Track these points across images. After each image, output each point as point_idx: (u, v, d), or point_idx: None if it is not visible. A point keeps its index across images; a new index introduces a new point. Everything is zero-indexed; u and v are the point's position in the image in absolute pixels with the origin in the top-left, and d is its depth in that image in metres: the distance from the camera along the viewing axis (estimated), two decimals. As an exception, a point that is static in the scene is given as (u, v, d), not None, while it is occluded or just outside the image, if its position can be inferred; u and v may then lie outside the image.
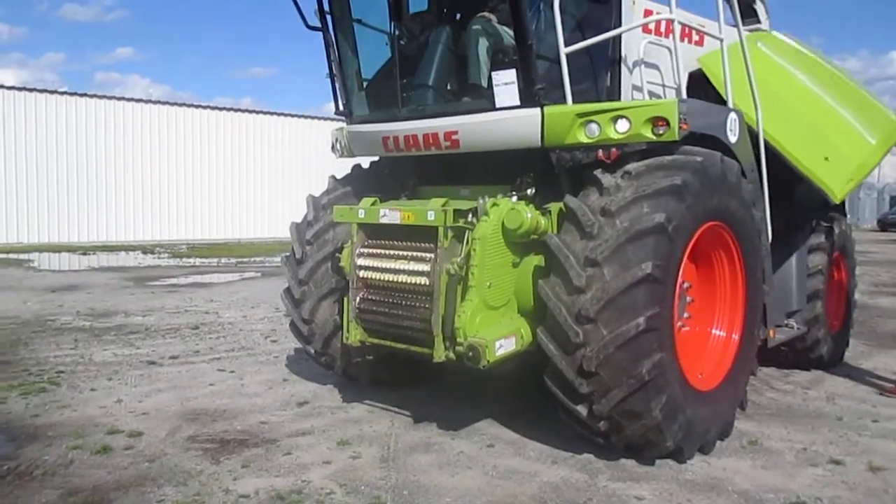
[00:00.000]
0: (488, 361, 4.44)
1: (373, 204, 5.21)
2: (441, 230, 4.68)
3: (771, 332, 5.85)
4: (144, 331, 9.31)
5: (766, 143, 5.71)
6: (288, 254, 6.20)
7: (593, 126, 4.54)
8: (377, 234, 5.19)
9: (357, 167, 6.41)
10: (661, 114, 4.42)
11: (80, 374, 6.97)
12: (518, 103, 4.66)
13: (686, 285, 5.00)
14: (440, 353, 4.69)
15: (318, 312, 5.82)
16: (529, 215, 4.60)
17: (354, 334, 5.30)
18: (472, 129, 4.90)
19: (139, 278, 15.55)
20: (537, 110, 4.63)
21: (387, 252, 5.08)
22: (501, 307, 4.76)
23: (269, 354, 7.99)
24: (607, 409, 4.28)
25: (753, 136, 5.57)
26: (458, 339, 4.53)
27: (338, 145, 6.14)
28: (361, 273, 5.22)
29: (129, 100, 28.07)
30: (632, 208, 4.29)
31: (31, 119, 25.20)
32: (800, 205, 6.89)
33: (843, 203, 7.57)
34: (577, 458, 4.76)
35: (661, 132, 4.44)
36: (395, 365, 5.85)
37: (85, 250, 23.27)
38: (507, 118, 4.73)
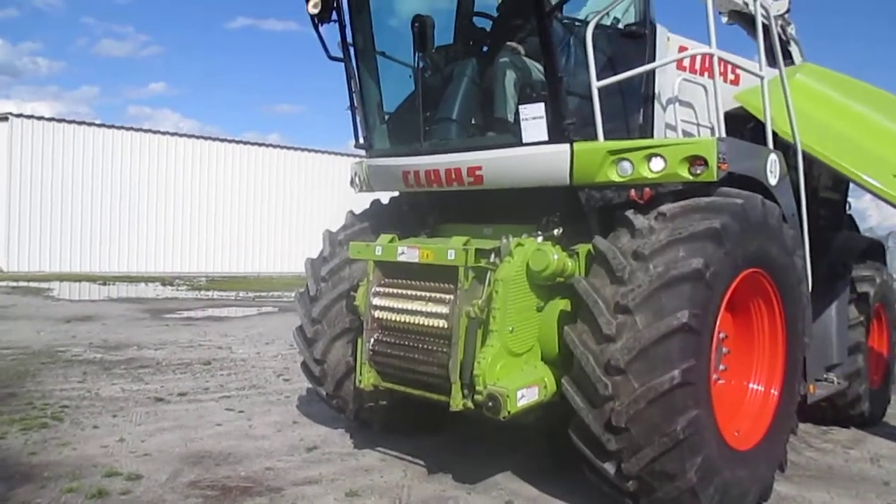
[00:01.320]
0: (509, 412, 4.13)
1: (391, 241, 4.97)
2: (461, 270, 4.42)
3: (811, 388, 5.50)
4: (155, 365, 9.10)
5: (837, 172, 5.43)
6: (302, 290, 5.96)
7: (626, 164, 4.30)
8: (394, 272, 4.95)
9: (376, 202, 6.20)
10: (699, 153, 4.17)
11: (84, 409, 6.74)
12: (546, 138, 4.43)
13: (723, 336, 4.68)
14: (458, 402, 4.39)
15: (330, 353, 5.56)
16: (556, 257, 4.34)
17: (367, 378, 5.02)
18: (498, 164, 4.67)
19: (155, 310, 15.42)
20: (566, 146, 4.40)
21: (404, 292, 4.82)
22: (524, 354, 4.46)
23: (280, 394, 7.72)
24: (637, 468, 3.94)
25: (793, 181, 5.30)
26: (478, 387, 4.23)
27: (357, 179, 5.95)
28: (377, 313, 4.96)
29: (156, 132, 28.41)
30: (667, 252, 4.01)
31: (58, 149, 25.52)
32: (840, 252, 6.57)
33: (882, 251, 7.23)
34: (601, 520, 4.42)
35: (698, 172, 4.18)
36: (410, 411, 5.55)
37: (105, 280, 23.30)
38: (535, 154, 4.50)
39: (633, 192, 4.35)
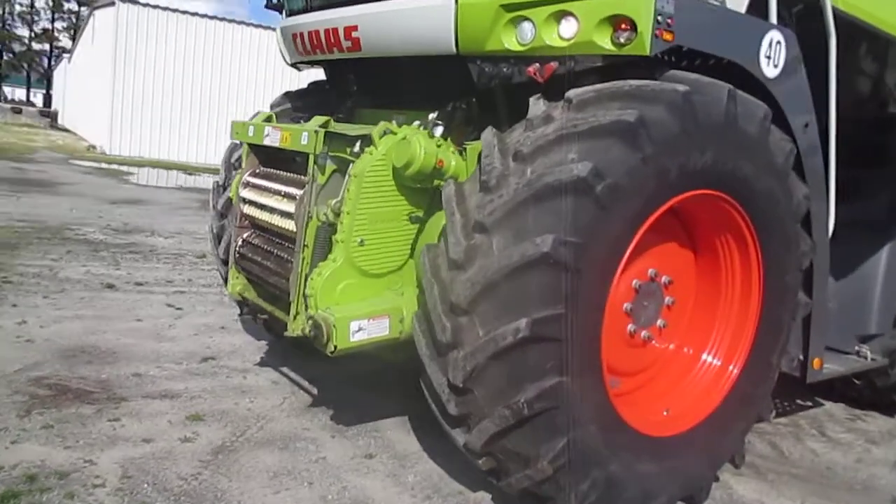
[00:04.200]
0: (336, 347, 3.17)
1: (267, 119, 3.99)
2: (312, 159, 3.41)
3: (816, 362, 4.13)
4: (148, 252, 8.72)
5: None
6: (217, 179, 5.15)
7: (526, 27, 3.05)
8: (267, 159, 4.01)
9: (315, 83, 5.19)
10: (623, 11, 2.85)
11: (26, 285, 6.38)
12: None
13: (665, 280, 3.44)
14: (296, 326, 3.47)
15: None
16: (424, 151, 3.22)
17: (234, 285, 4.19)
18: (374, 23, 3.53)
19: (206, 200, 15.29)
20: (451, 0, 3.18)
21: (270, 185, 3.87)
22: (384, 275, 3.44)
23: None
24: (480, 443, 2.90)
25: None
26: (309, 311, 3.29)
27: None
28: (245, 208, 4.07)
29: (266, 27, 27.82)
30: (552, 152, 2.80)
31: (162, 37, 25.71)
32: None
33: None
34: (465, 496, 3.44)
35: (622, 41, 2.88)
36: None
37: (192, 171, 23.71)
38: (414, 9, 3.32)
39: (532, 67, 3.08)
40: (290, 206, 3.59)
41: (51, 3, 68.15)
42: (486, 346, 2.72)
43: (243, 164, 4.09)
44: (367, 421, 4.21)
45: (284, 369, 4.94)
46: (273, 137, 3.73)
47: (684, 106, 2.89)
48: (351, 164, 3.38)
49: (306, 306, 3.31)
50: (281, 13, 4.49)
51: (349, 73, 4.46)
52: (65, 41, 66.25)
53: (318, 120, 3.46)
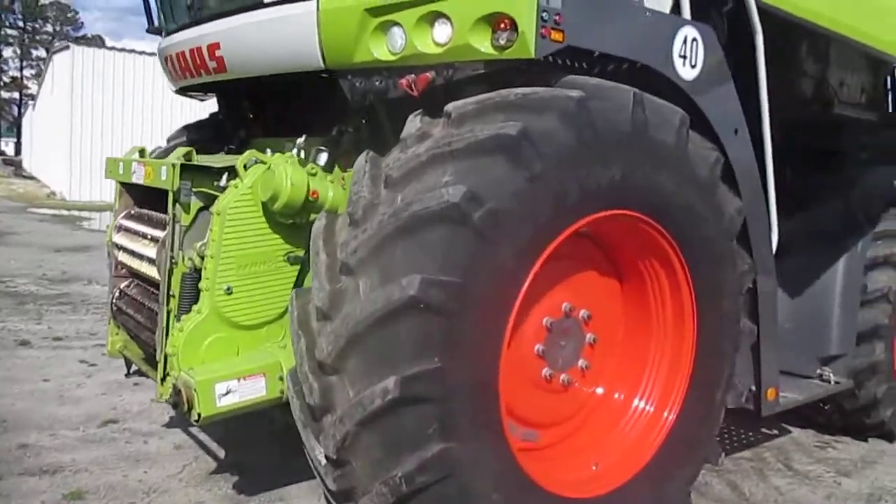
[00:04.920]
0: (199, 415, 2.70)
1: (141, 153, 3.56)
2: (171, 196, 2.97)
3: (770, 392, 3.70)
4: (80, 302, 8.19)
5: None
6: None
7: (396, 33, 2.64)
8: (141, 199, 3.57)
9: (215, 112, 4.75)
10: (501, 8, 2.45)
11: (-73, 350, 5.86)
12: (291, -6, 2.84)
13: (583, 315, 3.00)
14: (164, 390, 3.00)
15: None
16: (291, 182, 2.79)
17: (113, 342, 3.73)
18: (235, 40, 3.11)
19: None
20: (312, 3, 2.77)
21: (141, 227, 3.43)
22: (260, 326, 3.00)
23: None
24: (362, 524, 2.43)
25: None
26: (170, 372, 2.83)
27: None
28: (120, 255, 3.62)
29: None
30: (424, 175, 2.38)
31: (118, 78, 25.30)
32: (863, 196, 4.59)
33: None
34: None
35: (502, 43, 2.48)
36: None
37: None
38: (273, 20, 2.91)
39: (405, 79, 2.66)
40: (154, 252, 3.15)
41: (19, 52, 67.80)
42: (354, 411, 2.27)
43: (116, 206, 3.64)
44: (274, 487, 3.72)
45: (193, 430, 4.44)
46: (139, 174, 3.30)
47: (579, 114, 2.49)
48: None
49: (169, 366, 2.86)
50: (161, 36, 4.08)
51: (242, 98, 4.05)
52: (34, 88, 65.78)
53: (180, 151, 3.03)
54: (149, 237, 3.24)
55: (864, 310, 4.45)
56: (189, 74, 3.50)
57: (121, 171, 3.51)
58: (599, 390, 3.15)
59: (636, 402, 3.12)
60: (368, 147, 2.87)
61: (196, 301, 2.95)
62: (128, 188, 3.61)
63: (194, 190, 3.00)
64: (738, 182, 3.27)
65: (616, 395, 3.15)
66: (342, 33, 2.70)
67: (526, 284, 2.48)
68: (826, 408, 4.75)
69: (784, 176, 5.00)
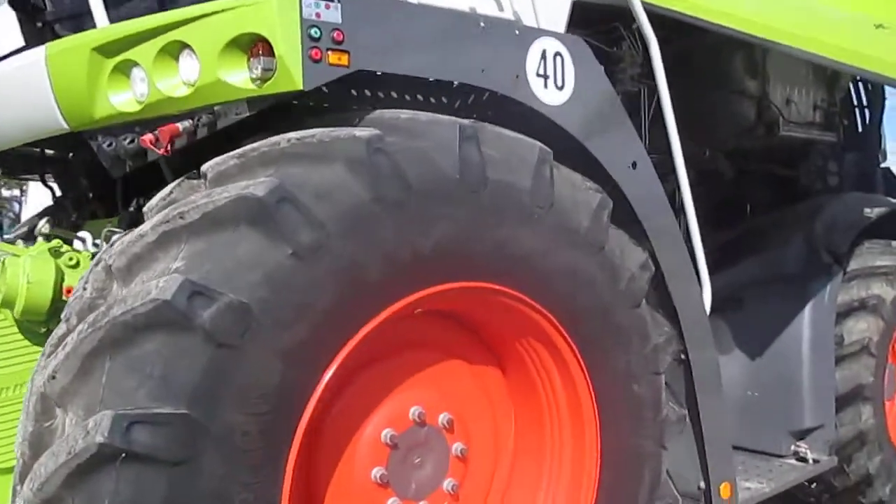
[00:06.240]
0: None
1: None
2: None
3: (723, 489, 2.92)
4: None
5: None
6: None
7: (137, 75, 1.99)
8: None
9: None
10: (250, 28, 1.81)
11: None
12: (23, 42, 2.22)
13: (443, 419, 2.27)
14: None
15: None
16: (28, 280, 2.12)
17: None
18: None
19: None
20: (41, 50, 2.13)
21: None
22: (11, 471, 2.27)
23: None
24: None
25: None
26: None
27: None
28: None
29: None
30: (154, 261, 1.71)
31: None
32: (826, 229, 3.88)
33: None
34: None
35: (258, 73, 1.83)
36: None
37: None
38: (9, 75, 2.27)
39: (146, 136, 1.98)
40: None
41: None
42: None
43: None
44: None
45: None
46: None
47: (373, 161, 1.81)
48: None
49: None
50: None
51: (72, 174, 3.43)
52: None
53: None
54: None
55: (842, 367, 3.69)
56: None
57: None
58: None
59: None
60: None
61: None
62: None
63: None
64: (644, 228, 2.59)
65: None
66: (74, 84, 2.04)
67: (314, 399, 1.77)
68: (812, 486, 3.94)
69: (737, 213, 4.35)
